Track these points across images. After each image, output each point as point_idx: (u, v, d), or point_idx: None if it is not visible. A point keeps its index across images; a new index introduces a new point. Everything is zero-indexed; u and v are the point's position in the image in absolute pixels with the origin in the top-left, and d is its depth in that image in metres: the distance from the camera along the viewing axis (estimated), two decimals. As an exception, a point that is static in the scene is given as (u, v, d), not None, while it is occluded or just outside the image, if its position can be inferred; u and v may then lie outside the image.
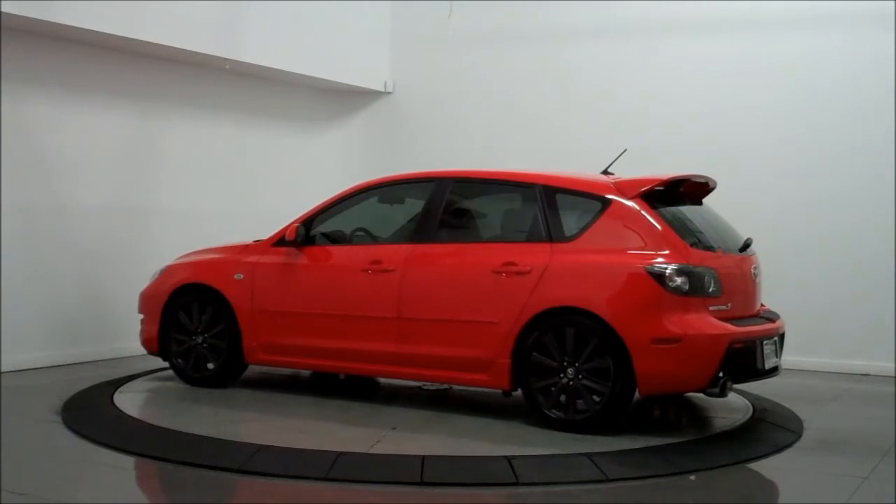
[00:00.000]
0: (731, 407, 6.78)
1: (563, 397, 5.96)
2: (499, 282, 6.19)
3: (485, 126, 10.29)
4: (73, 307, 8.51)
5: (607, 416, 5.89)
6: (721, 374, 5.77)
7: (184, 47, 8.69)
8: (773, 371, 6.31)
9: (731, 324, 5.94)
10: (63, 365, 8.24)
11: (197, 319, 7.33)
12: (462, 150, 10.13)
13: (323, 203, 7.14)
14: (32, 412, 6.52)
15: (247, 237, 8.27)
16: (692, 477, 5.18)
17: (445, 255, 6.54)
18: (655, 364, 5.77)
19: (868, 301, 8.52)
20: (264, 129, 10.39)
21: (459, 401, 6.92)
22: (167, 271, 7.62)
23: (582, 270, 6.00)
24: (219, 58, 9.09)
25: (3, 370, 7.75)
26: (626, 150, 6.80)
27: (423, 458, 5.26)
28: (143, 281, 9.01)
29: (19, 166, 8.04)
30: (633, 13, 9.59)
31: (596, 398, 5.88)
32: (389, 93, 10.97)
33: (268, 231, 7.41)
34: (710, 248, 6.17)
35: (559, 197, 6.29)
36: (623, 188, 6.14)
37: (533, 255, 6.14)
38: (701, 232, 6.34)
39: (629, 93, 9.61)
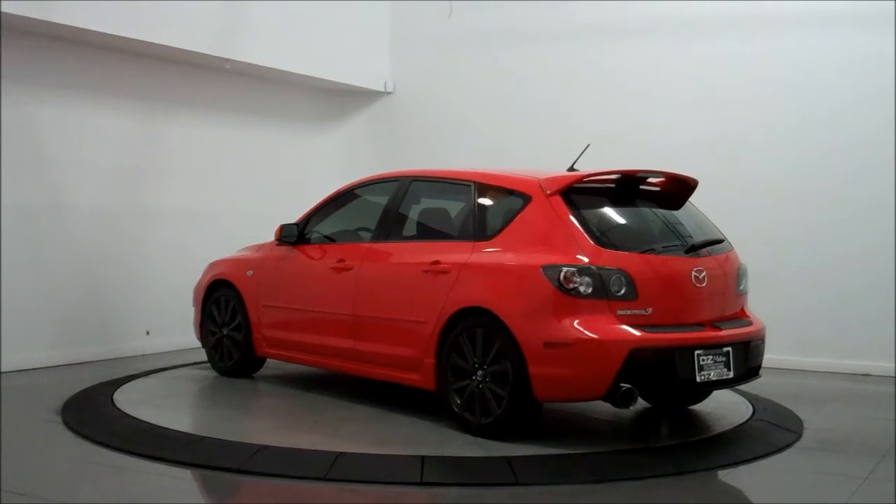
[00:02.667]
0: (731, 407, 6.78)
1: (473, 400, 5.83)
2: (426, 281, 6.15)
3: (485, 126, 10.29)
4: (74, 307, 8.51)
5: (510, 422, 5.68)
6: (622, 384, 5.39)
7: (184, 47, 8.69)
8: (722, 384, 5.85)
9: (648, 330, 5.52)
10: (63, 365, 8.24)
11: (224, 313, 7.72)
12: (462, 150, 10.14)
13: (317, 204, 7.38)
14: (32, 412, 6.52)
15: (245, 237, 8.33)
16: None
17: (389, 254, 6.59)
18: (548, 369, 5.49)
19: (868, 301, 8.51)
20: (265, 130, 10.39)
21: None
22: (209, 267, 8.08)
23: (489, 270, 5.86)
24: (219, 58, 9.09)
25: (3, 370, 7.76)
26: (588, 146, 6.63)
27: (423, 458, 5.27)
28: (143, 281, 9.06)
29: (19, 166, 8.04)
30: (632, 12, 9.60)
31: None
32: (389, 93, 10.97)
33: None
34: (634, 249, 5.77)
35: (489, 195, 6.21)
36: (546, 185, 5.91)
37: (455, 254, 6.06)
38: (638, 233, 6.06)
39: (628, 91, 9.62)
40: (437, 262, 6.12)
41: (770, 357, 8.65)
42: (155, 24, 8.37)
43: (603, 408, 6.61)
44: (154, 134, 9.22)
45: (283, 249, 7.37)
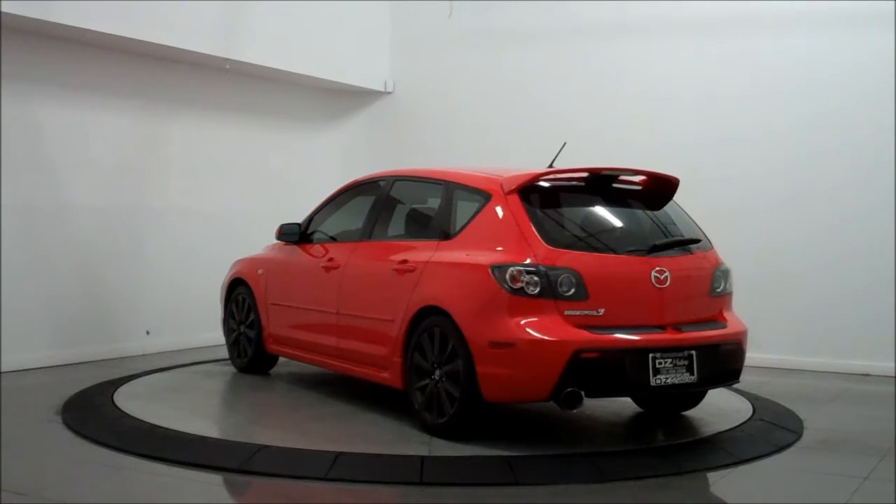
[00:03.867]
0: (731, 407, 6.78)
1: (432, 399, 5.81)
2: (395, 280, 6.16)
3: (485, 125, 10.29)
4: (74, 307, 8.51)
5: (462, 423, 5.63)
6: (567, 385, 5.27)
7: (184, 47, 8.70)
8: (685, 388, 5.62)
9: (598, 332, 5.40)
10: (63, 365, 8.24)
11: (241, 311, 7.89)
12: (462, 150, 10.15)
13: (320, 203, 7.49)
14: (32, 412, 6.51)
15: (245, 237, 8.36)
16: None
17: (369, 253, 6.63)
18: (494, 369, 5.42)
19: (868, 301, 8.51)
20: (264, 129, 10.39)
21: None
22: (232, 265, 8.21)
23: (445, 269, 5.83)
24: (219, 58, 9.09)
25: (3, 370, 7.76)
26: (565, 144, 6.60)
27: (423, 458, 5.27)
28: (143, 281, 9.06)
29: (19, 166, 8.04)
30: (632, 12, 9.61)
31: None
32: (389, 93, 10.97)
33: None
34: (587, 249, 5.66)
35: (457, 194, 6.18)
36: (506, 184, 5.82)
37: (421, 253, 6.06)
38: (596, 232, 5.93)
39: (629, 90, 9.63)
40: (405, 262, 6.15)
41: (770, 357, 8.72)
42: (155, 24, 8.37)
43: (602, 408, 6.62)
44: (154, 134, 9.22)
45: (289, 248, 7.47)
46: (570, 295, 5.42)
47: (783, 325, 8.84)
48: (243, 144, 10.10)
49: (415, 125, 10.77)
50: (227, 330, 8.11)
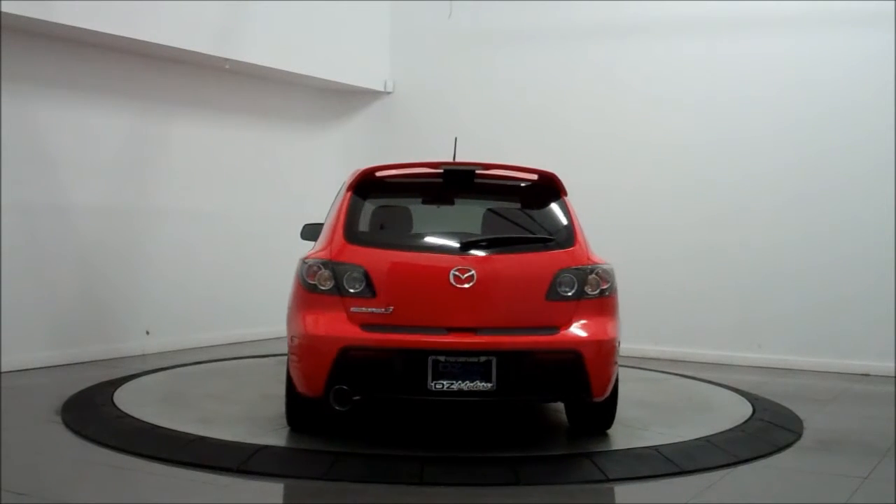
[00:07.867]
0: (731, 407, 6.77)
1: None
2: None
3: (485, 125, 10.28)
4: (73, 307, 8.50)
5: (289, 414, 5.77)
6: (337, 383, 5.21)
7: (184, 47, 8.69)
8: (478, 396, 5.24)
9: (380, 331, 5.25)
10: (63, 365, 8.24)
11: None
12: (462, 150, 10.11)
13: None
14: (32, 412, 6.51)
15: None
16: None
17: None
18: (291, 363, 5.56)
19: (868, 301, 8.52)
20: (264, 129, 10.39)
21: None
22: None
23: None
24: (219, 58, 9.09)
25: (3, 370, 7.76)
26: (456, 139, 6.55)
27: (423, 458, 5.27)
28: (144, 280, 9.06)
29: (19, 166, 8.04)
30: (633, 13, 9.61)
31: None
32: (389, 93, 10.98)
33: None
34: (382, 245, 5.60)
35: (342, 190, 6.20)
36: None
37: (314, 253, 6.08)
38: (403, 229, 5.85)
39: (628, 90, 9.63)
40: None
41: (770, 357, 8.73)
42: (155, 24, 8.37)
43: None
44: (154, 134, 9.22)
45: None
46: (357, 292, 5.36)
47: (783, 325, 8.85)
48: (243, 144, 10.10)
49: (415, 125, 10.77)
50: None
